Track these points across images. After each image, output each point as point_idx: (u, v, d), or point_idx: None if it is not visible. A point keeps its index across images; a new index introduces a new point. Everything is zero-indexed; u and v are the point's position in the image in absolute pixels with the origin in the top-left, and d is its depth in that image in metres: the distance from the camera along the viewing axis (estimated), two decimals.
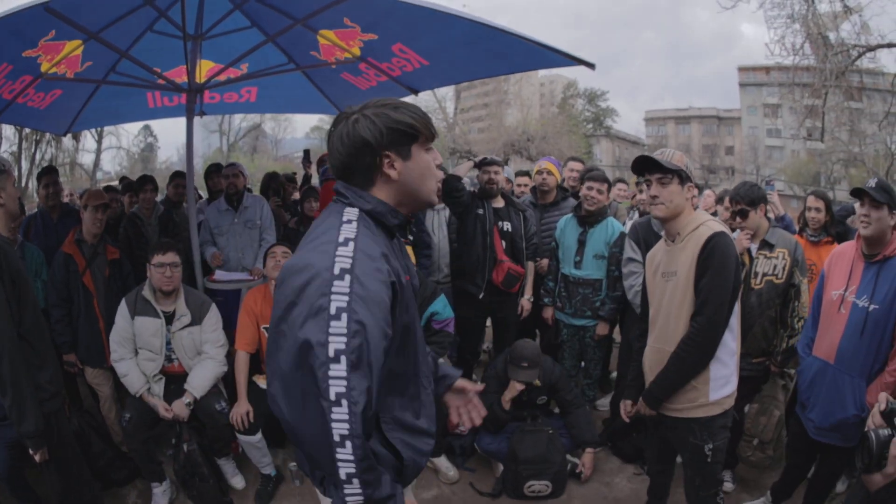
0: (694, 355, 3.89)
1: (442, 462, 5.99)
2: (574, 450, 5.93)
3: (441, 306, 5.89)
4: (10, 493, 4.91)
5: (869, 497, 2.37)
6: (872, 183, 4.18)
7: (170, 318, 5.39)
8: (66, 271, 5.66)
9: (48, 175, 7.08)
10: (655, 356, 4.15)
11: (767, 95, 50.18)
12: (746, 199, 5.18)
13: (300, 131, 67.59)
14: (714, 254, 3.77)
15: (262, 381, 5.69)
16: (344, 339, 1.97)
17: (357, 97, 6.95)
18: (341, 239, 2.14)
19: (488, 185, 6.52)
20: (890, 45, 25.09)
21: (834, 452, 4.47)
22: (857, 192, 4.22)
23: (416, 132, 2.33)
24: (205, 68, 6.08)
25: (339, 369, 1.97)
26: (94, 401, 6.12)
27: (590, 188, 6.36)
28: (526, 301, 6.93)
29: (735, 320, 3.97)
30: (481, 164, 6.67)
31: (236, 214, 7.19)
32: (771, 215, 6.20)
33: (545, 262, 6.96)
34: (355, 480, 2.06)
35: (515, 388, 5.71)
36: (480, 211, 6.60)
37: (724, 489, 5.21)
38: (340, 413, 1.97)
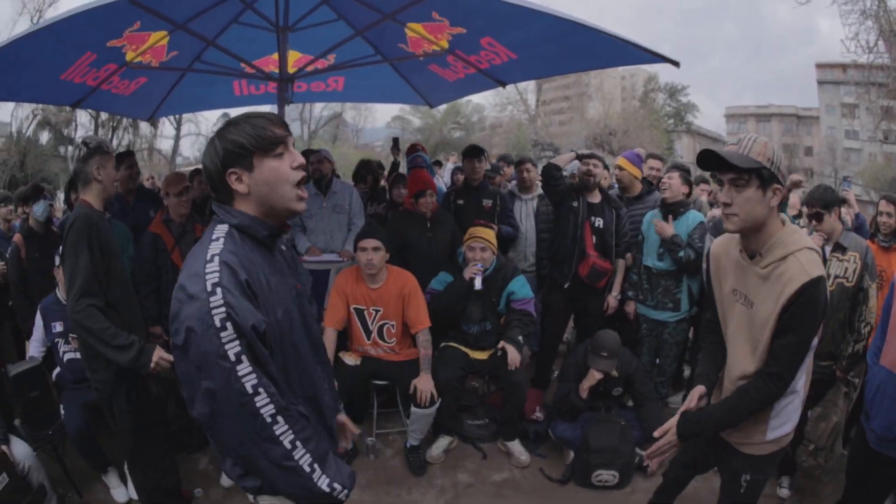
0: (752, 407, 3.37)
1: (515, 446, 6.10)
2: (644, 443, 5.86)
3: (519, 286, 6.07)
4: (79, 454, 5.19)
5: None
6: None
7: None
8: (155, 250, 5.84)
9: (127, 158, 7.19)
10: (723, 379, 3.77)
11: (845, 94, 49.06)
12: (821, 203, 5.16)
13: (381, 120, 67.18)
14: (805, 310, 3.11)
15: (348, 358, 5.92)
16: (236, 342, 2.19)
17: (445, 88, 7.32)
18: (208, 257, 2.30)
19: (586, 177, 6.55)
20: None
21: (891, 466, 4.20)
22: None
23: (249, 148, 2.41)
24: (292, 58, 6.20)
25: (244, 367, 2.21)
26: (172, 368, 6.23)
27: (670, 178, 6.41)
28: (612, 298, 6.97)
29: (808, 358, 3.36)
30: (582, 157, 6.69)
31: (325, 199, 7.33)
32: (847, 216, 6.19)
33: (629, 255, 6.99)
34: (299, 444, 2.36)
35: (594, 376, 5.76)
36: (575, 204, 6.64)
37: (780, 495, 5.34)
38: (262, 399, 2.25)
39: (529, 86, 55.44)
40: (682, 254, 6.26)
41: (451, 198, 7.52)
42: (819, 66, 54.25)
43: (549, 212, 7.36)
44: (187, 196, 5.97)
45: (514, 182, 8.18)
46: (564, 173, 6.94)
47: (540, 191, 7.57)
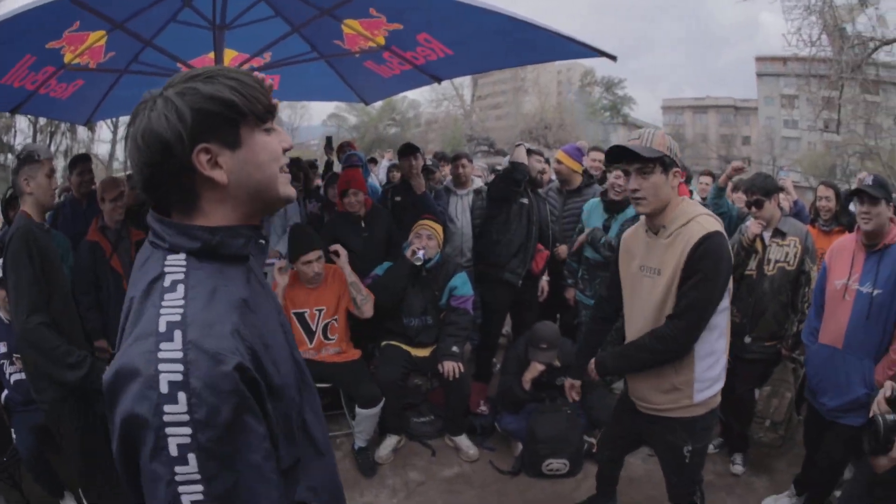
0: (661, 354, 3.63)
1: (463, 441, 6.12)
2: (591, 430, 6.03)
3: (461, 282, 6.10)
4: (33, 478, 5.06)
5: (874, 478, 2.45)
6: (869, 181, 4.34)
7: None
8: (93, 258, 5.72)
9: (82, 163, 7.13)
10: None
11: (784, 86, 49.77)
12: (762, 190, 5.27)
13: (316, 118, 67.06)
14: (706, 256, 3.42)
15: None
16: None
17: (380, 85, 7.26)
18: (162, 327, 1.41)
19: (540, 174, 6.61)
20: None
21: (845, 430, 4.50)
22: (856, 192, 4.36)
23: (242, 110, 1.59)
24: (228, 57, 6.10)
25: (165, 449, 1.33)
26: None
27: (617, 177, 6.34)
28: (544, 282, 7.07)
29: (724, 319, 3.70)
30: (530, 153, 6.71)
31: None
32: (785, 203, 6.29)
33: (563, 248, 7.02)
34: None
35: (536, 368, 5.80)
36: (525, 201, 6.70)
37: (733, 472, 5.50)
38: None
39: (465, 81, 55.93)
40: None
41: (389, 195, 7.51)
42: (759, 59, 55.07)
43: (484, 206, 7.35)
44: (122, 202, 5.87)
45: (449, 178, 8.15)
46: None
47: (475, 185, 7.63)
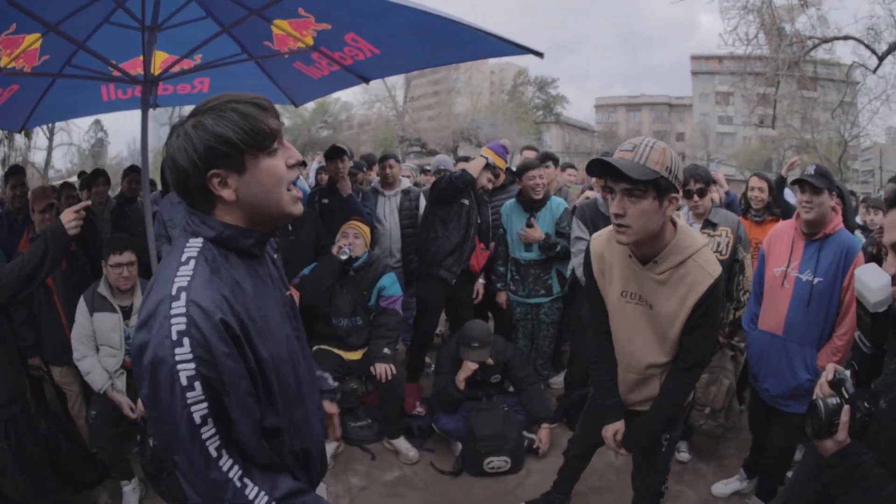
0: (680, 401, 3.59)
1: (401, 443, 6.07)
2: (530, 426, 6.04)
3: (389, 282, 6.08)
4: None
5: (822, 462, 2.46)
6: (811, 170, 4.38)
7: (127, 313, 5.37)
8: None
9: (14, 176, 7.09)
10: (623, 375, 3.75)
11: (719, 84, 50.60)
12: (705, 179, 5.35)
13: None
14: (714, 306, 3.21)
15: None
16: (204, 404, 1.78)
17: (309, 86, 7.12)
18: (173, 291, 1.83)
19: (490, 182, 6.62)
20: (846, 38, 25.45)
21: (791, 419, 4.57)
22: (798, 182, 4.39)
23: (241, 147, 1.94)
24: (159, 59, 6.05)
25: (208, 430, 1.81)
26: (61, 402, 6.05)
27: (531, 178, 6.45)
28: (479, 284, 7.13)
29: None
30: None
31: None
32: (716, 195, 6.35)
33: (492, 245, 7.10)
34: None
35: (469, 368, 5.82)
36: (466, 202, 6.71)
37: (680, 459, 5.53)
38: (226, 462, 1.86)
39: (398, 82, 55.91)
40: (558, 248, 6.42)
41: (316, 197, 7.44)
42: (694, 57, 56.14)
43: (412, 207, 7.48)
44: (52, 213, 5.71)
45: (376, 179, 8.14)
46: (442, 167, 7.27)
47: (403, 186, 7.69)
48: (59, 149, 46.21)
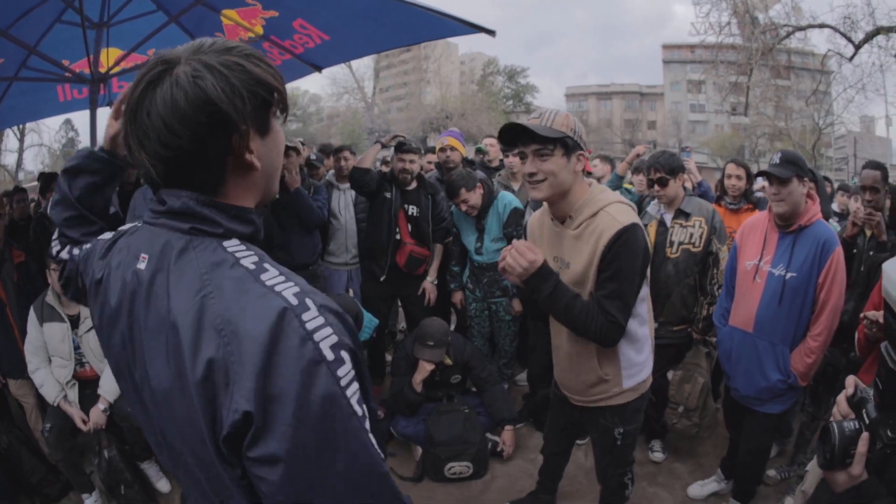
0: (585, 321, 3.32)
1: None
2: (494, 428, 5.91)
3: (367, 334, 5.76)
4: None
5: (833, 499, 2.21)
6: (776, 159, 4.20)
7: (75, 322, 5.25)
8: None
9: None
10: (559, 354, 3.89)
11: (691, 72, 51.26)
12: (666, 168, 5.14)
13: None
14: (622, 254, 3.24)
15: None
16: (351, 377, 1.35)
17: None
18: (292, 300, 1.35)
19: (402, 174, 6.39)
20: (821, 26, 25.74)
21: (762, 419, 4.48)
22: (763, 174, 4.23)
23: (278, 97, 1.54)
24: (112, 56, 5.89)
25: (357, 414, 1.35)
26: (23, 414, 5.94)
27: (465, 201, 6.16)
28: (428, 283, 6.84)
29: (645, 307, 3.63)
30: (398, 150, 6.50)
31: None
32: (688, 184, 6.22)
33: (448, 242, 6.92)
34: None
35: (425, 368, 5.68)
36: (388, 195, 6.53)
37: (653, 459, 5.48)
38: (371, 447, 1.38)
39: (367, 73, 56.68)
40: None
41: None
42: (666, 46, 56.64)
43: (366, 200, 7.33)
44: (3, 221, 5.68)
45: (331, 172, 8.00)
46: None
47: None
48: (30, 150, 46.08)
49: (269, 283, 1.38)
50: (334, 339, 1.33)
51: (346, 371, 1.32)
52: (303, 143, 6.85)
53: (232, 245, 1.48)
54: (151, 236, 1.55)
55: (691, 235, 5.14)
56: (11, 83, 6.48)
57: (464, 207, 6.14)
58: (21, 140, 43.74)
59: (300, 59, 6.27)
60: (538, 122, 3.27)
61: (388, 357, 7.69)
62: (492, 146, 8.40)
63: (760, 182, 6.15)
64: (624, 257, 3.24)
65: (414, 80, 60.14)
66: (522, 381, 7.23)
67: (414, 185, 6.60)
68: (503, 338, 6.71)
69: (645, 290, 3.54)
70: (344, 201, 7.28)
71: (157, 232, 1.54)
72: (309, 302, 1.35)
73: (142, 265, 1.52)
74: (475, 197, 6.09)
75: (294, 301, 1.33)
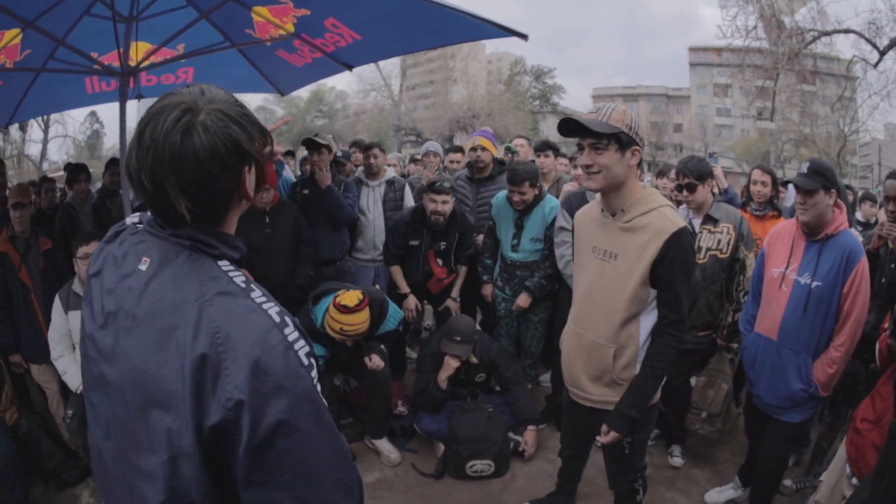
0: (669, 358, 3.60)
1: (384, 444, 5.92)
2: (517, 427, 5.90)
3: (392, 324, 5.90)
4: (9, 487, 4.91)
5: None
6: (804, 169, 4.18)
7: None
8: (3, 269, 5.59)
9: None
10: (575, 341, 3.92)
11: (718, 76, 50.88)
12: (695, 174, 5.12)
13: None
14: (681, 255, 3.43)
15: None
16: (318, 378, 1.63)
17: (294, 74, 7.14)
18: (276, 318, 1.61)
19: (434, 216, 6.37)
20: (846, 31, 25.55)
21: (784, 428, 4.46)
22: (790, 182, 4.22)
23: (262, 136, 1.76)
24: (142, 50, 5.91)
25: (325, 406, 1.64)
26: (44, 400, 5.99)
27: (511, 192, 6.19)
28: (452, 302, 6.88)
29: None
30: (430, 190, 6.45)
31: None
32: (715, 190, 6.20)
33: (481, 237, 6.88)
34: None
35: (450, 365, 5.68)
36: (415, 242, 6.59)
37: (673, 464, 5.46)
38: (336, 428, 1.69)
39: (394, 71, 56.13)
40: (543, 281, 6.25)
41: (298, 188, 7.27)
42: (692, 49, 56.01)
43: (397, 198, 7.41)
44: (23, 211, 5.71)
45: (360, 169, 8.00)
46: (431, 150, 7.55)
47: (388, 176, 7.58)
48: (54, 141, 46.14)
49: (257, 300, 1.63)
50: (307, 349, 1.62)
51: (316, 374, 1.62)
52: (326, 146, 6.84)
53: (225, 265, 1.71)
54: (154, 243, 1.74)
55: (719, 241, 5.13)
56: (38, 74, 6.50)
57: (517, 198, 6.11)
58: (45, 131, 43.82)
59: (331, 57, 6.23)
60: (595, 117, 3.40)
61: (412, 354, 7.82)
62: (521, 146, 8.37)
63: (790, 191, 6.17)
64: (682, 257, 3.43)
65: (440, 78, 59.65)
66: (546, 381, 7.21)
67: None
68: (529, 339, 6.65)
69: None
70: (373, 198, 7.32)
71: (160, 242, 1.73)
72: (288, 320, 1.63)
73: (143, 266, 1.71)
74: (532, 194, 6.12)
75: (277, 319, 1.61)
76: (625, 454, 3.89)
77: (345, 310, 5.39)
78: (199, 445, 1.51)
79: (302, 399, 1.54)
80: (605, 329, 3.69)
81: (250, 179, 1.74)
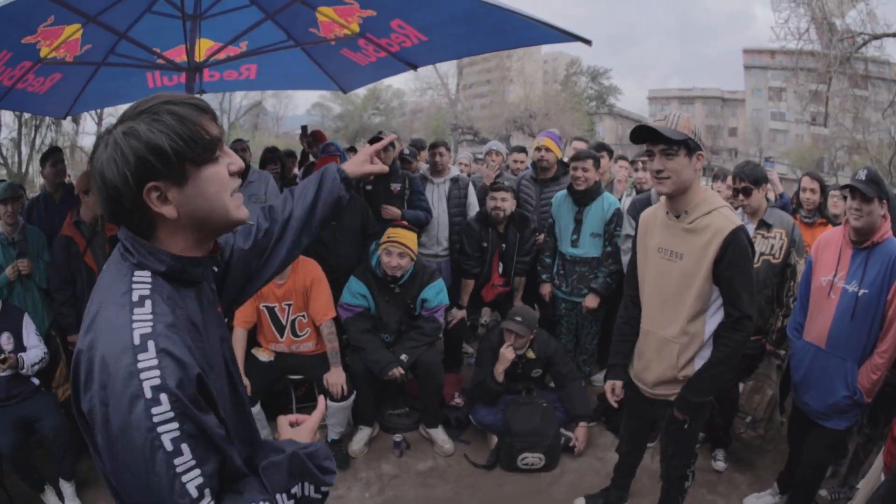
0: (737, 353, 3.78)
1: (438, 434, 6.04)
2: (568, 423, 5.96)
3: (433, 293, 6.02)
4: (17, 474, 5.04)
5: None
6: (863, 176, 4.20)
7: None
8: (67, 253, 5.67)
9: (53, 155, 7.16)
10: (644, 338, 4.16)
11: (772, 78, 50.28)
12: (751, 178, 5.17)
13: (301, 108, 67.09)
14: (739, 252, 3.61)
15: (261, 354, 5.82)
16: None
17: (357, 73, 7.19)
18: (136, 339, 1.57)
19: (494, 212, 6.60)
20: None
21: (827, 434, 4.50)
22: (848, 187, 4.24)
23: (179, 156, 1.68)
24: (204, 47, 5.99)
25: (165, 448, 1.55)
26: None
27: (574, 168, 6.39)
28: (456, 311, 7.06)
29: (722, 313, 3.86)
30: (491, 188, 6.75)
31: (242, 188, 6.97)
32: (770, 195, 6.22)
33: (541, 236, 6.99)
34: None
35: (506, 358, 5.75)
36: (485, 245, 6.78)
37: (715, 468, 5.49)
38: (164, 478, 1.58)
39: (450, 70, 56.07)
40: (608, 280, 6.44)
41: (361, 183, 7.32)
42: (746, 51, 55.19)
43: (461, 195, 7.49)
44: (93, 197, 5.69)
45: (425, 167, 8.15)
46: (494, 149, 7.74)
47: (452, 174, 7.64)
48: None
49: (134, 317, 1.62)
50: (157, 381, 1.52)
51: (161, 410, 1.51)
52: (397, 138, 6.93)
53: (140, 275, 1.73)
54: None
55: (772, 247, 5.17)
56: (98, 68, 6.64)
57: (579, 174, 6.32)
58: (98, 124, 43.91)
59: (396, 56, 6.29)
60: (664, 124, 3.61)
61: (468, 349, 8.06)
62: (576, 149, 8.40)
63: (833, 198, 6.21)
64: (741, 255, 3.61)
65: (497, 77, 59.34)
66: (598, 381, 7.21)
67: (505, 223, 6.78)
68: (585, 335, 6.81)
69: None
70: (437, 195, 7.42)
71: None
72: (150, 344, 1.56)
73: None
74: (593, 174, 6.32)
75: (137, 341, 1.56)
76: (683, 431, 4.05)
77: (397, 224, 5.85)
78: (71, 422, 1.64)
79: (120, 427, 1.52)
80: (673, 327, 3.88)
81: (173, 194, 1.70)
